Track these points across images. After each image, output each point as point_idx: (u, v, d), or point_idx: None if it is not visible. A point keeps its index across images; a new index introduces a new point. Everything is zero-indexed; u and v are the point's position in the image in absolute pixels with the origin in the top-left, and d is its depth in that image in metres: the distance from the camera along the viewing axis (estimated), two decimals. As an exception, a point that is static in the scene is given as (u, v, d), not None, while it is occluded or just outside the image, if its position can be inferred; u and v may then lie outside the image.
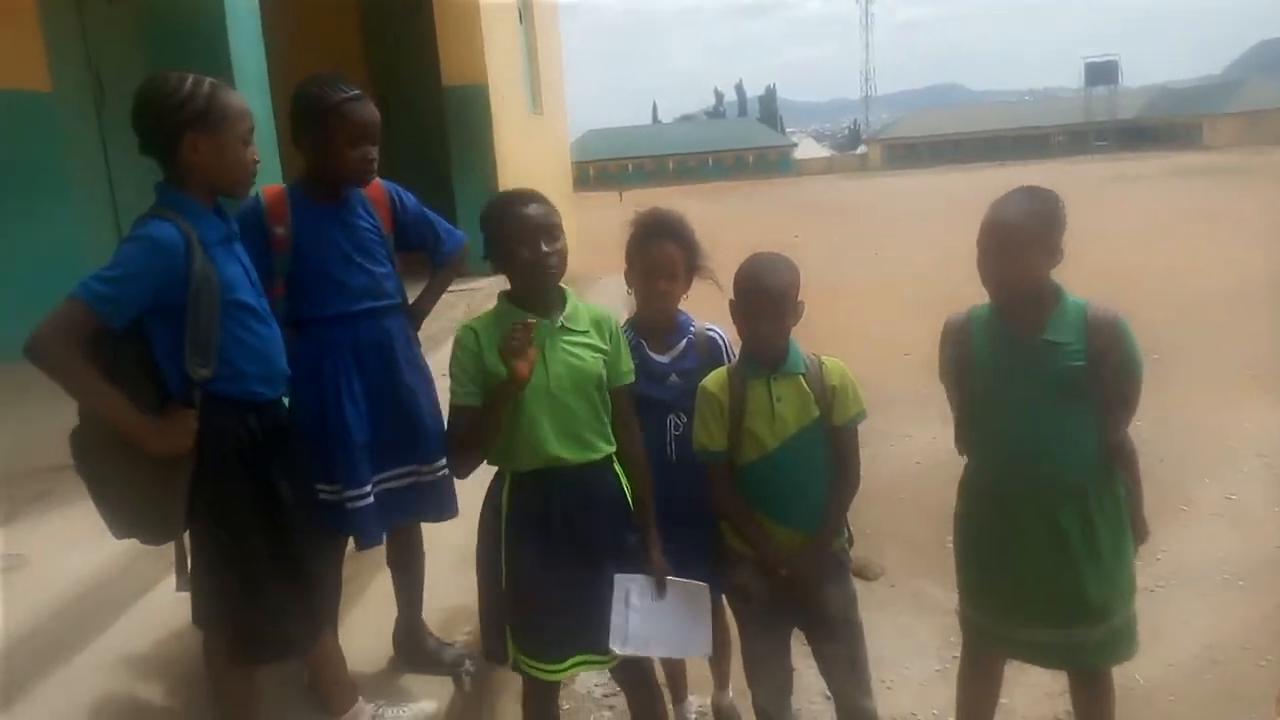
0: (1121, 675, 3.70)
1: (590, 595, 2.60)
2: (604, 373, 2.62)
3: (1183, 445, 6.23)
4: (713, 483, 2.78)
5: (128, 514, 2.39)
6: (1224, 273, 12.17)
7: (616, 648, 2.61)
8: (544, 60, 11.45)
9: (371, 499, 2.85)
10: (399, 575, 3.18)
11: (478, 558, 2.73)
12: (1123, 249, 15.31)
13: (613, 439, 2.67)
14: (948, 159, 64.20)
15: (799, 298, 2.70)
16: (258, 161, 2.42)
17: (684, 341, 3.01)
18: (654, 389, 2.93)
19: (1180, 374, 7.96)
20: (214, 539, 2.41)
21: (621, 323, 2.88)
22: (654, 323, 3.02)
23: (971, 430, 2.76)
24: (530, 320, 2.42)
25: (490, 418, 2.52)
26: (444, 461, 2.98)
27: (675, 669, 3.42)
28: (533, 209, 2.56)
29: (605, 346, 2.64)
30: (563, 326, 2.59)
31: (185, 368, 2.27)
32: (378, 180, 2.93)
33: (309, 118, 2.71)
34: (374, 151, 2.78)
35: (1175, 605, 4.27)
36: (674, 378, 2.96)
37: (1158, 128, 65.72)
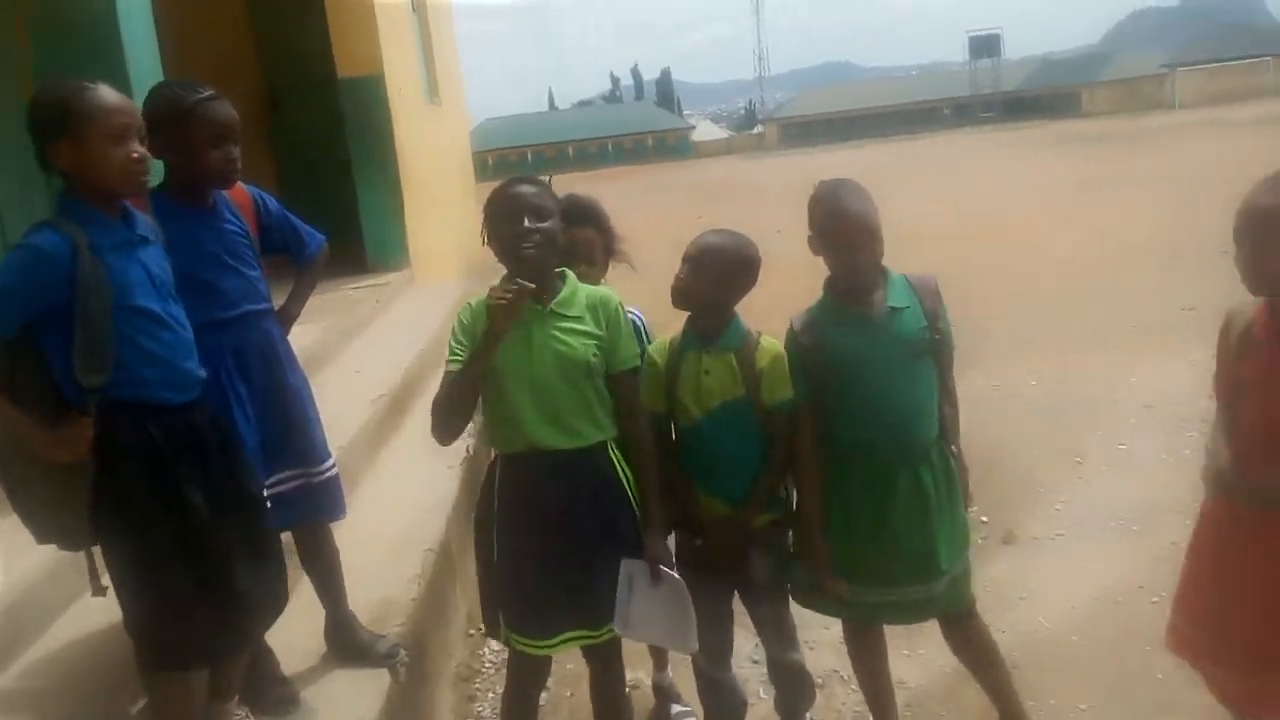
0: (1028, 620, 3.96)
1: (580, 576, 2.66)
2: (595, 359, 2.63)
3: (1075, 400, 6.55)
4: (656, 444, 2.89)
5: (41, 520, 2.39)
6: (1107, 233, 12.72)
7: (619, 629, 2.69)
8: (439, 49, 11.34)
9: (268, 503, 2.85)
10: (315, 576, 3.18)
11: (475, 536, 2.81)
12: (1011, 214, 15.89)
13: (608, 425, 2.71)
14: (842, 136, 65.23)
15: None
16: (137, 157, 2.33)
17: None
18: None
19: (1071, 332, 8.36)
20: (119, 546, 2.38)
21: None
22: None
23: (835, 411, 2.80)
24: (525, 284, 2.46)
25: (465, 375, 2.56)
26: (331, 463, 3.03)
27: None
28: (522, 188, 2.62)
29: (600, 333, 2.66)
30: (553, 311, 2.63)
31: (77, 375, 2.24)
32: (240, 184, 2.91)
33: (166, 122, 2.66)
34: (236, 151, 2.75)
35: (1075, 552, 4.51)
36: None
37: (1040, 98, 67.88)
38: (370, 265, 8.13)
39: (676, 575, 2.73)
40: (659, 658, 3.56)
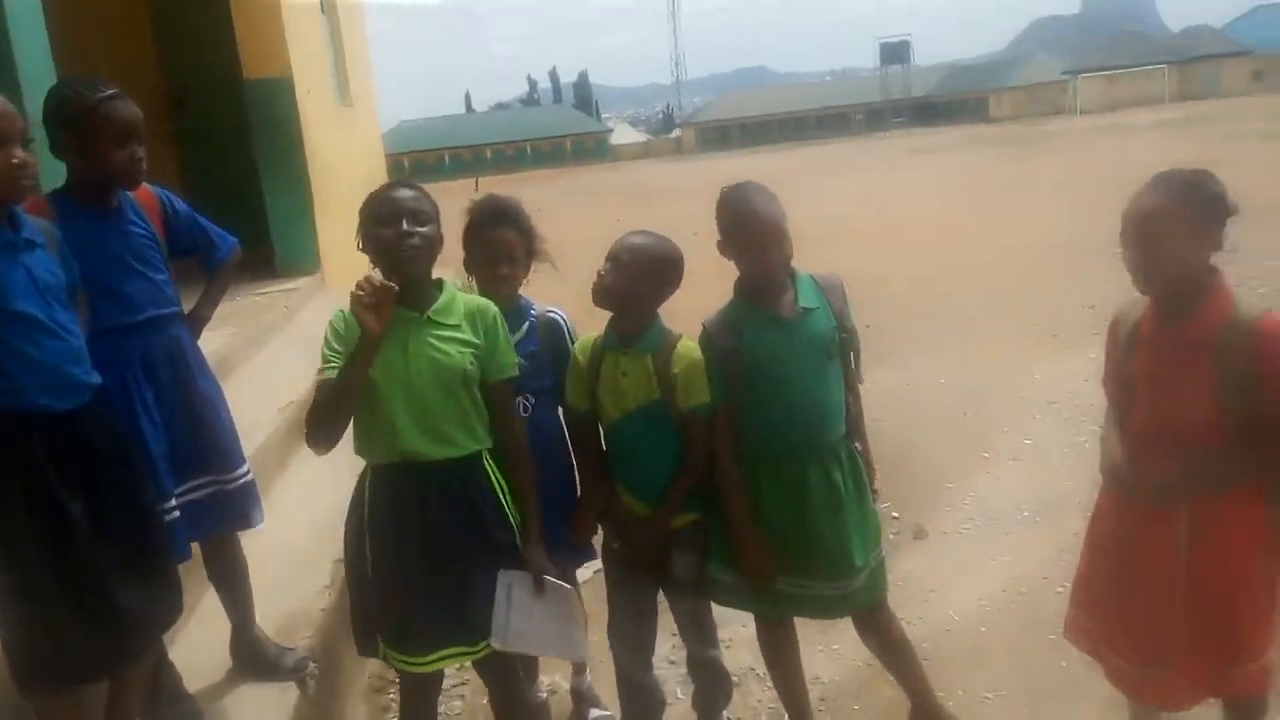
0: (938, 613, 4.04)
1: (457, 590, 2.60)
2: (472, 368, 2.59)
3: (982, 397, 6.72)
4: (574, 439, 2.94)
5: None
6: (1013, 235, 13.07)
7: (496, 643, 2.63)
8: (350, 50, 11.13)
9: (177, 513, 2.77)
10: (222, 588, 3.10)
11: (344, 551, 2.72)
12: (920, 217, 16.24)
13: (483, 435, 2.67)
14: (758, 140, 66.00)
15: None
16: (17, 163, 2.23)
17: (526, 325, 3.08)
18: None
19: (978, 331, 8.58)
20: None
21: None
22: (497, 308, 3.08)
23: (750, 411, 2.81)
24: (379, 280, 2.41)
25: (342, 382, 2.48)
26: (245, 469, 2.96)
27: None
28: (401, 192, 2.56)
29: (477, 341, 2.62)
30: (430, 319, 2.57)
31: None
32: (145, 185, 2.84)
33: (68, 121, 2.59)
34: (141, 151, 2.68)
35: (983, 545, 4.63)
36: (519, 361, 3.02)
37: (949, 103, 69.61)
38: (279, 269, 7.93)
39: (564, 584, 2.72)
40: (577, 660, 3.54)
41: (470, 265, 3.09)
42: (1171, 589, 2.34)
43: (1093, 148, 26.12)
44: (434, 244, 2.58)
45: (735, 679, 3.56)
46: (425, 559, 2.58)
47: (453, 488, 2.61)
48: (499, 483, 2.71)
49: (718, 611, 3.10)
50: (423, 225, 2.53)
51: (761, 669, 3.50)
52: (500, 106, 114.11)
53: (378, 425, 2.55)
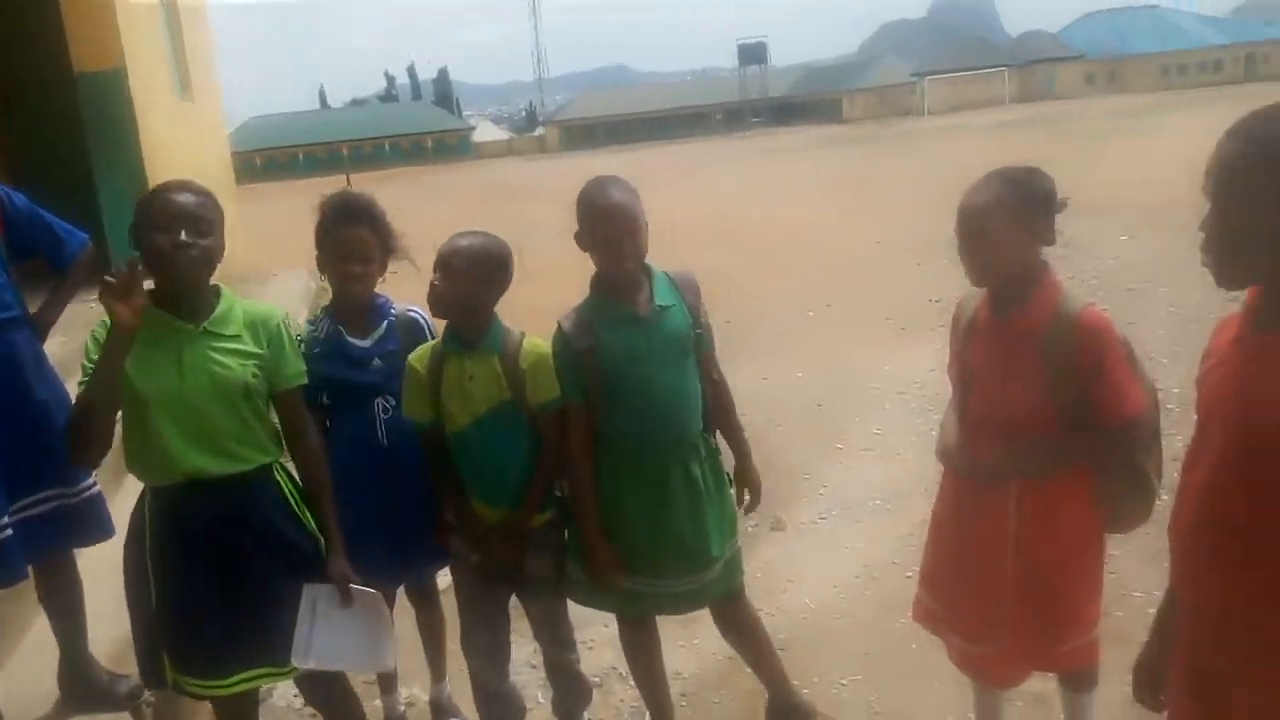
0: (795, 602, 4.13)
1: (258, 609, 2.49)
2: (255, 380, 2.47)
3: (836, 389, 6.92)
4: (424, 452, 2.84)
5: None
6: (863, 232, 13.52)
7: (298, 662, 2.52)
8: (191, 42, 10.64)
9: (10, 530, 2.59)
10: (53, 612, 2.92)
11: (125, 578, 2.55)
12: (777, 215, 16.63)
13: (272, 448, 2.56)
14: (620, 138, 66.36)
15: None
16: None
17: (385, 324, 3.00)
18: (358, 374, 2.93)
19: (832, 325, 8.84)
20: None
21: (319, 309, 2.82)
22: (352, 308, 2.99)
23: (608, 409, 2.80)
24: (133, 264, 2.22)
25: (95, 387, 2.28)
26: (91, 482, 2.79)
27: None
28: (181, 196, 2.38)
29: (260, 351, 2.49)
30: (206, 331, 2.43)
31: None
32: None
33: None
34: None
35: (837, 534, 4.76)
36: (377, 361, 2.95)
37: (805, 104, 71.55)
38: (113, 267, 7.50)
39: (371, 590, 2.62)
40: (436, 670, 3.46)
41: (323, 264, 2.99)
42: (1002, 570, 2.44)
43: (938, 147, 27.24)
44: (214, 255, 2.42)
45: (597, 679, 3.57)
46: (216, 580, 2.46)
47: (242, 504, 2.49)
48: (294, 494, 2.61)
49: (579, 612, 3.08)
50: (204, 235, 2.38)
51: (624, 668, 3.50)
52: (357, 103, 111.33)
53: (153, 445, 2.39)
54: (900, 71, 70.25)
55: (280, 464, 2.60)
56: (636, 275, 2.76)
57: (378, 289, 3.04)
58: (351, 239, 2.91)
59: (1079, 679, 2.61)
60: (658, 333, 2.75)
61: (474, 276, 2.72)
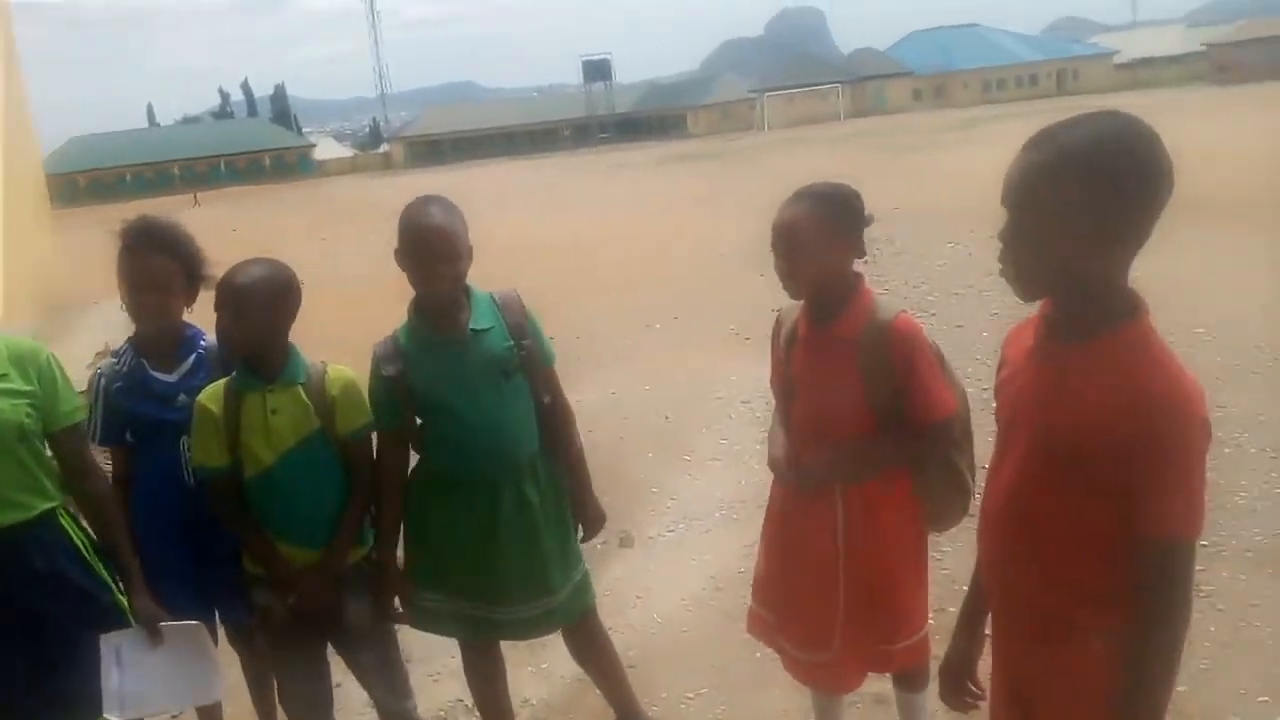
0: (644, 618, 4.11)
1: (50, 668, 2.31)
2: (29, 420, 2.30)
3: (682, 401, 6.97)
4: (216, 501, 2.65)
5: None
6: (709, 244, 13.75)
7: (114, 714, 2.35)
8: (-8, 59, 9.94)
9: None
10: None
11: None
12: (623, 229, 16.75)
13: (53, 492, 2.39)
14: (468, 155, 65.78)
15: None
16: None
17: (193, 357, 2.81)
18: (161, 411, 2.73)
19: (678, 337, 8.93)
20: None
21: (122, 342, 2.64)
22: (154, 340, 2.78)
23: (429, 437, 2.74)
24: None
25: None
26: None
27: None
28: None
29: (30, 389, 2.32)
30: None
31: None
32: None
33: None
34: None
35: (685, 546, 4.77)
36: (183, 397, 2.74)
37: (650, 120, 72.56)
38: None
39: (187, 622, 2.49)
40: (263, 714, 3.26)
41: (122, 294, 2.77)
42: (832, 576, 2.47)
43: (779, 161, 28.00)
44: None
45: (441, 713, 3.46)
46: (4, 641, 2.28)
47: (25, 555, 2.31)
48: (84, 541, 2.44)
49: (426, 645, 2.97)
50: None
51: (470, 700, 3.40)
52: (189, 120, 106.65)
53: None
54: (740, 88, 72.14)
55: (65, 509, 2.42)
56: (453, 298, 2.68)
57: (190, 319, 2.86)
58: (149, 268, 2.71)
59: (911, 678, 2.67)
60: (473, 357, 2.67)
61: (263, 309, 2.56)
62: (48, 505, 2.35)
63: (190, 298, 2.83)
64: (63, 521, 2.40)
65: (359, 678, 2.90)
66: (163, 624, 2.45)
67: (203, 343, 2.86)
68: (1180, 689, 2.18)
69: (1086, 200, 1.52)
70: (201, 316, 2.89)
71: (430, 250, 2.57)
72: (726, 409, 6.72)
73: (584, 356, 8.39)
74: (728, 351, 8.04)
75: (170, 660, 2.45)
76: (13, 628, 2.27)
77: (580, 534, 2.95)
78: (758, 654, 3.52)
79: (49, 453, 2.45)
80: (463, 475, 2.72)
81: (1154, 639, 1.58)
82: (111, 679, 2.36)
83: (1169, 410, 1.51)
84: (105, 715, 2.36)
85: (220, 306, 2.58)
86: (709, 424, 6.47)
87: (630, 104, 76.10)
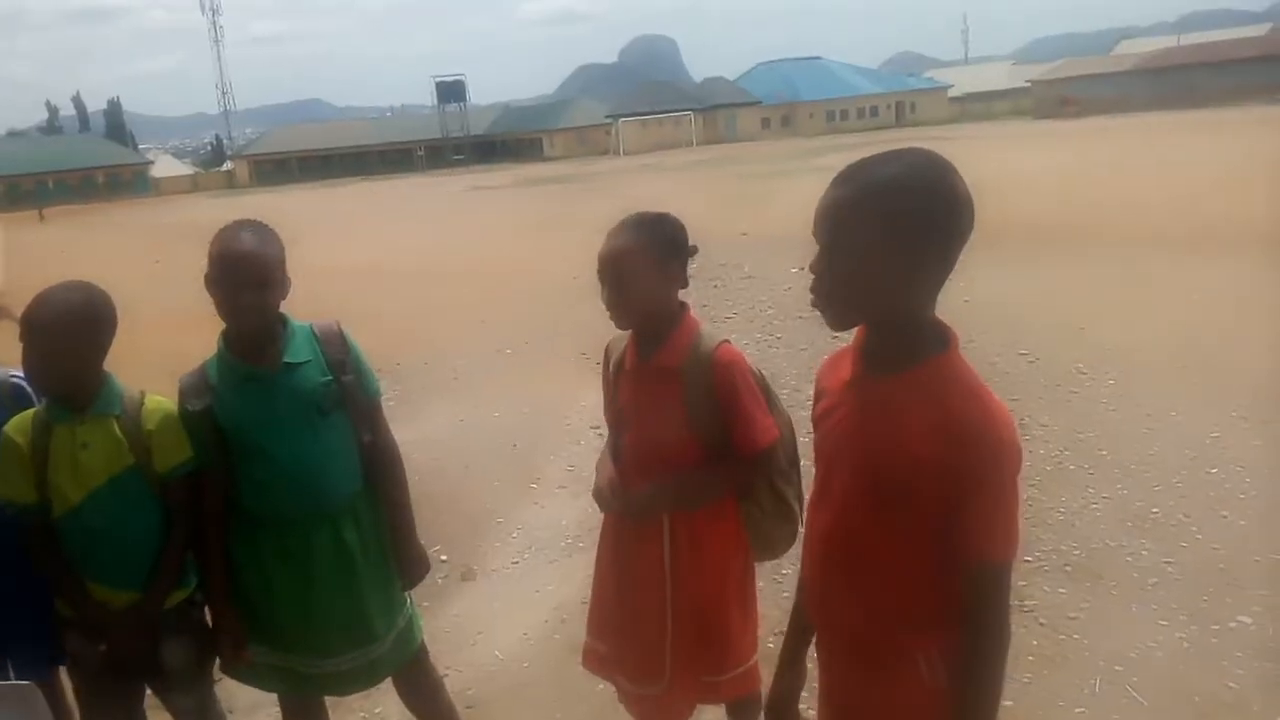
0: (484, 655, 4.00)
1: None
2: None
3: (532, 427, 6.89)
4: (27, 538, 2.46)
5: None
6: (562, 269, 13.70)
7: None
8: None
9: None
10: None
11: None
12: (478, 252, 16.58)
13: None
14: (318, 174, 64.21)
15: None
16: None
17: None
18: None
19: (529, 362, 8.84)
20: None
21: None
22: None
23: (239, 475, 2.58)
24: None
25: None
26: None
27: None
28: None
29: None
30: None
31: None
32: None
33: None
34: None
35: (529, 578, 4.68)
36: None
37: (506, 142, 72.46)
38: None
39: (21, 683, 2.29)
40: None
41: None
42: (660, 607, 2.45)
43: (631, 186, 28.37)
44: None
45: (262, 766, 3.27)
46: None
47: None
48: None
49: (251, 695, 2.79)
50: None
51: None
52: (14, 134, 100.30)
53: None
54: (596, 113, 72.83)
55: None
56: (263, 328, 2.53)
57: None
58: None
59: (743, 706, 2.66)
60: (284, 392, 2.54)
61: (70, 339, 2.38)
62: None
63: None
64: None
65: None
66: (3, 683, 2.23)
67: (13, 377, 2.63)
68: (1005, 703, 2.24)
69: (889, 235, 1.54)
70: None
71: (237, 277, 2.42)
72: (575, 435, 6.67)
73: (432, 383, 8.23)
74: (578, 377, 7.98)
75: None
76: None
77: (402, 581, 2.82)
78: (599, 687, 3.47)
79: None
80: (273, 517, 2.57)
81: (978, 658, 1.62)
82: None
83: (981, 438, 1.55)
84: None
85: (24, 339, 2.38)
86: (557, 451, 6.40)
87: (485, 126, 75.85)
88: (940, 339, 1.64)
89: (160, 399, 2.56)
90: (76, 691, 2.65)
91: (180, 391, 2.56)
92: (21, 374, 2.68)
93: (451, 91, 73.63)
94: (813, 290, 1.67)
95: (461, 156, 69.48)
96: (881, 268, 1.57)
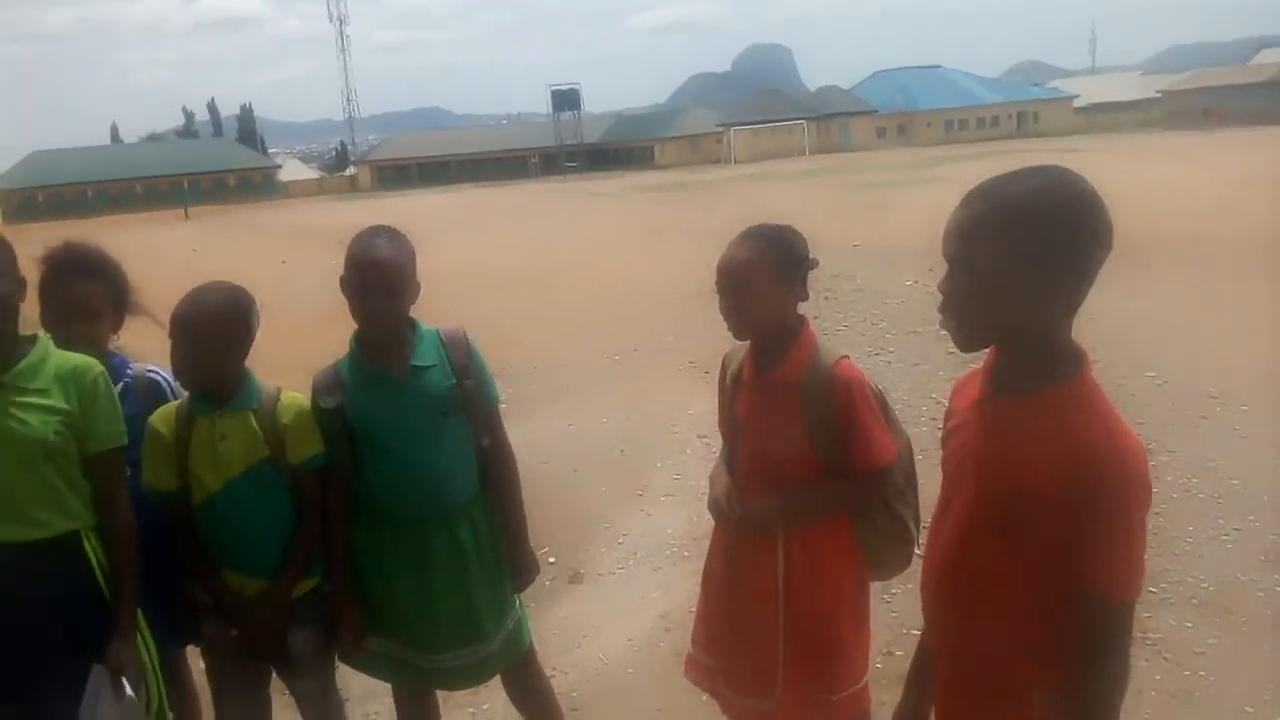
0: (589, 658, 4.04)
1: (31, 687, 2.28)
2: (57, 438, 2.29)
3: (639, 434, 6.92)
4: (168, 524, 2.59)
5: None
6: (672, 276, 13.75)
7: None
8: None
9: None
10: None
11: None
12: (591, 259, 16.73)
13: (82, 512, 2.37)
14: (437, 180, 65.81)
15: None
16: None
17: (120, 386, 2.71)
18: None
19: (638, 369, 8.89)
20: None
21: None
22: None
23: (363, 471, 2.68)
24: None
25: None
26: None
27: None
28: None
29: (67, 408, 2.31)
30: (3, 384, 2.26)
31: None
32: None
33: None
34: None
35: (635, 584, 4.71)
36: None
37: (618, 150, 73.09)
38: None
39: (130, 694, 2.41)
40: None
41: (45, 321, 2.72)
42: (773, 621, 2.44)
43: (742, 195, 28.19)
44: (7, 303, 2.26)
45: (377, 755, 3.37)
46: (4, 656, 2.26)
47: (37, 573, 2.29)
48: (103, 566, 2.40)
49: (366, 684, 2.89)
50: None
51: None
52: (153, 138, 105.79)
53: None
54: (708, 121, 72.89)
55: (94, 532, 2.39)
56: (394, 332, 2.63)
57: (115, 347, 2.80)
58: (76, 295, 2.67)
59: (852, 729, 2.62)
60: (411, 394, 2.63)
61: (214, 338, 2.52)
62: (71, 526, 2.33)
63: (117, 324, 2.79)
64: (87, 545, 2.37)
65: (298, 704, 2.84)
66: (124, 682, 2.38)
67: (129, 371, 2.80)
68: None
69: (1018, 255, 1.51)
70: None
71: (371, 283, 2.53)
72: (683, 444, 6.68)
73: (542, 388, 8.34)
74: (687, 386, 8.01)
75: (124, 714, 2.38)
76: (10, 641, 2.25)
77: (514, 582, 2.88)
78: (704, 698, 3.46)
79: None
80: (394, 514, 2.67)
81: (1093, 696, 1.57)
82: (89, 709, 2.31)
83: (1110, 470, 1.50)
84: None
85: (175, 336, 2.52)
86: (664, 459, 6.42)
87: (598, 134, 76.67)
88: (1072, 363, 1.60)
89: (295, 395, 2.68)
90: (206, 671, 2.78)
91: (314, 389, 2.67)
92: (157, 369, 2.85)
93: (566, 100, 74.70)
94: (941, 310, 1.65)
95: (574, 164, 70.40)
96: (1010, 288, 1.54)
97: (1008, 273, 1.53)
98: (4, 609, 2.26)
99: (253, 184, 69.22)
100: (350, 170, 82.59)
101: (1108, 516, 1.50)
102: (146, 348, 2.93)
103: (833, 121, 70.82)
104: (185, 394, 2.70)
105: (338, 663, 2.85)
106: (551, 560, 4.81)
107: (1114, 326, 8.03)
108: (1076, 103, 78.17)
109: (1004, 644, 1.67)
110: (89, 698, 2.33)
